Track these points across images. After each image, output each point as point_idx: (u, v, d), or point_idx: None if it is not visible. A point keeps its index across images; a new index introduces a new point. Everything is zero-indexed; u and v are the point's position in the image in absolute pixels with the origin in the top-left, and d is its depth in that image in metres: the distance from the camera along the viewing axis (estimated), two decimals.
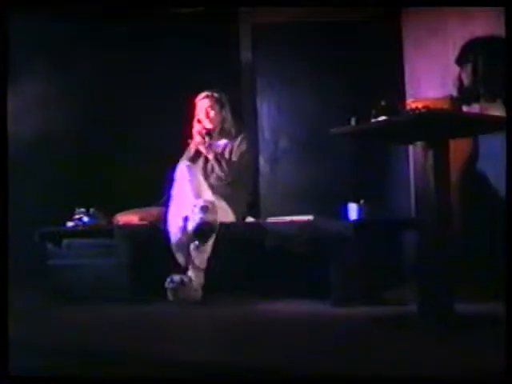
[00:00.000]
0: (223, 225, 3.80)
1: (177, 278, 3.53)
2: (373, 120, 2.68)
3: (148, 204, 4.06)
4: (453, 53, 3.60)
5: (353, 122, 2.78)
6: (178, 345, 2.52)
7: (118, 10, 4.42)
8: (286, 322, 3.05)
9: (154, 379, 2.05)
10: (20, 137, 4.32)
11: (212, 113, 4.17)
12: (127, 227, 3.92)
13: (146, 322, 3.17)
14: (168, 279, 3.53)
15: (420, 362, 2.05)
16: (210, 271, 3.68)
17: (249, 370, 2.05)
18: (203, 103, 4.19)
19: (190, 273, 3.58)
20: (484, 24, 3.92)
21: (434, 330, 2.60)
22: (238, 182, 4.07)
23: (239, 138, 4.15)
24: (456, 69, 3.52)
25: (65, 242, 3.95)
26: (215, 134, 4.16)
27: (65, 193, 4.47)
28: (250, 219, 3.99)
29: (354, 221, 3.52)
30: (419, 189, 2.78)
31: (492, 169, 3.42)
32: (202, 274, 3.61)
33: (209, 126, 4.15)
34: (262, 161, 4.89)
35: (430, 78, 4.38)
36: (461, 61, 3.48)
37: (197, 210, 3.55)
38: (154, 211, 3.97)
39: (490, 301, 2.94)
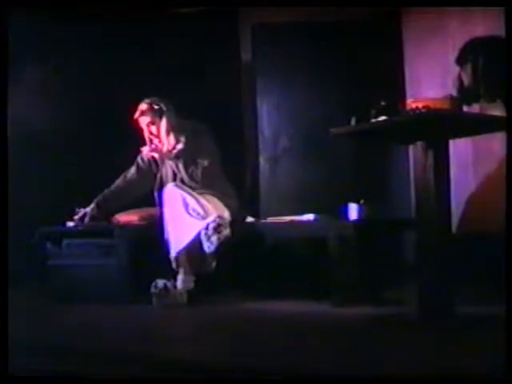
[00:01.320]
0: None
1: (160, 283, 3.53)
2: (373, 120, 2.68)
3: (148, 204, 4.06)
4: (453, 53, 3.59)
5: (353, 122, 2.78)
6: (178, 345, 2.52)
7: (117, 10, 4.41)
8: (285, 322, 3.05)
9: (154, 379, 2.05)
10: (20, 137, 4.33)
11: (154, 128, 3.96)
12: (127, 227, 3.92)
13: (145, 321, 3.17)
14: (153, 284, 3.54)
15: (420, 361, 2.05)
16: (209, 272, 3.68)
17: (249, 370, 2.05)
18: (143, 120, 3.97)
19: (180, 277, 3.59)
20: (484, 24, 3.92)
21: (434, 329, 2.60)
22: (219, 182, 3.97)
23: (200, 142, 3.92)
24: (456, 69, 3.52)
25: (65, 242, 3.95)
26: (168, 149, 3.96)
27: (65, 193, 4.46)
28: (249, 219, 3.99)
29: (354, 221, 3.52)
30: (419, 189, 2.78)
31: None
32: (192, 279, 3.61)
33: (157, 143, 3.97)
34: (261, 160, 4.88)
35: (430, 78, 4.38)
36: (461, 61, 3.48)
37: (210, 232, 3.48)
38: (154, 211, 3.96)
39: (490, 301, 2.94)
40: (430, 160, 2.70)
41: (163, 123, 3.96)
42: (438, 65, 4.32)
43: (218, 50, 4.87)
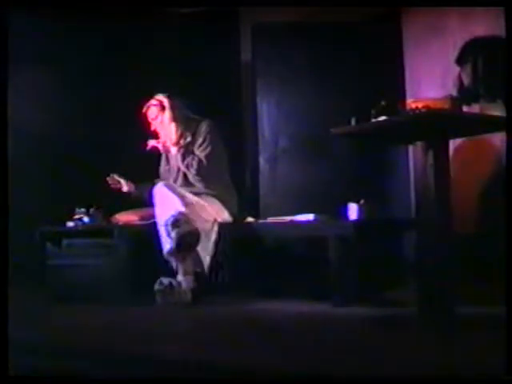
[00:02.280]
0: (223, 225, 3.81)
1: (165, 281, 3.54)
2: (373, 120, 2.68)
3: (148, 204, 4.06)
4: (453, 53, 3.60)
5: (353, 122, 2.78)
6: (178, 345, 2.52)
7: (118, 10, 4.41)
8: (286, 321, 3.05)
9: (154, 379, 2.05)
10: (20, 137, 4.33)
11: (157, 123, 4.02)
12: (127, 227, 3.92)
13: (145, 321, 3.17)
14: (157, 282, 3.54)
15: (420, 361, 2.05)
16: (209, 272, 3.68)
17: (249, 370, 2.05)
18: (150, 114, 4.04)
19: (180, 277, 3.59)
20: (484, 24, 3.92)
21: (434, 330, 2.60)
22: (219, 179, 3.99)
23: (201, 135, 3.96)
24: (456, 69, 3.53)
25: (65, 242, 3.94)
26: (171, 143, 4.02)
27: (65, 193, 4.46)
28: (250, 219, 3.99)
29: (354, 221, 3.52)
30: (419, 189, 2.78)
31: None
32: (191, 278, 3.61)
33: (163, 137, 4.02)
34: (261, 160, 4.88)
35: (430, 78, 4.38)
36: (461, 61, 3.48)
37: (170, 227, 3.51)
38: (153, 211, 3.96)
39: (490, 301, 2.94)
40: (430, 160, 2.70)
41: (167, 118, 4.00)
42: (437, 65, 4.32)
43: (217, 49, 4.87)
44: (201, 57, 4.84)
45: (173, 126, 4.01)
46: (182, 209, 3.58)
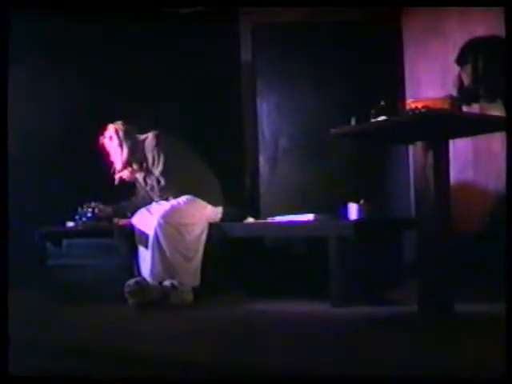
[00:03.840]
0: (223, 225, 3.81)
1: (167, 282, 3.53)
2: (373, 120, 2.68)
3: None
4: (453, 53, 3.59)
5: (353, 122, 2.78)
6: (179, 345, 2.52)
7: (118, 10, 4.41)
8: (286, 322, 3.05)
9: (154, 379, 2.05)
10: (20, 136, 4.33)
11: (112, 153, 4.02)
12: (127, 227, 3.91)
13: (145, 322, 3.17)
14: (126, 285, 3.52)
15: (420, 361, 2.05)
16: (209, 272, 3.69)
17: (249, 370, 2.05)
18: (106, 146, 4.04)
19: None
20: (484, 24, 3.92)
21: (434, 329, 2.60)
22: (187, 183, 3.90)
23: (150, 152, 3.91)
24: (456, 69, 3.52)
25: (65, 242, 3.94)
26: (133, 167, 4.02)
27: (65, 193, 4.46)
28: (249, 219, 3.99)
29: (354, 221, 3.52)
30: (419, 189, 2.78)
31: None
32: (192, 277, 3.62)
33: (118, 165, 4.00)
34: (261, 160, 4.89)
35: (430, 78, 4.38)
36: (461, 61, 3.48)
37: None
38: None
39: (489, 301, 2.94)
40: (430, 160, 2.70)
41: (115, 145, 3.98)
42: (437, 65, 4.32)
43: (217, 49, 4.87)
44: (201, 57, 4.84)
45: (121, 150, 3.98)
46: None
